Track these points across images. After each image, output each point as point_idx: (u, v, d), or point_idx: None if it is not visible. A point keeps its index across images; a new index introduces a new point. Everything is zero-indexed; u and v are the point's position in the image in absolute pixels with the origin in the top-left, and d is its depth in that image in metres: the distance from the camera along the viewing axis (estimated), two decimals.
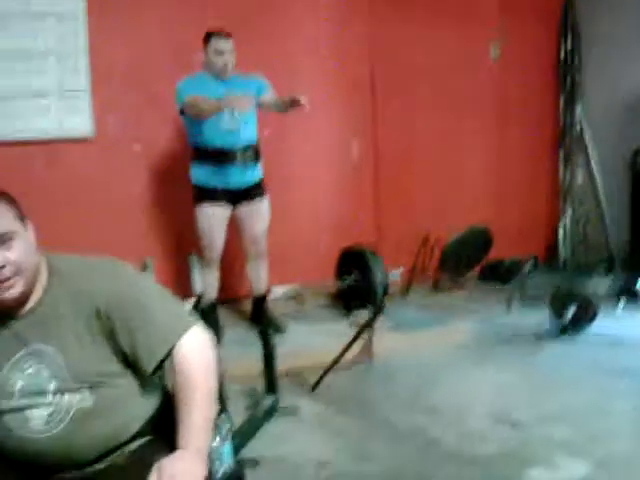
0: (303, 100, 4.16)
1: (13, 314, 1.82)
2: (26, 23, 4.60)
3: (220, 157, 4.40)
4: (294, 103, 4.20)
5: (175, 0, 5.00)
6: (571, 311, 4.57)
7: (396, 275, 5.32)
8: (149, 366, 1.82)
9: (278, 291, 5.24)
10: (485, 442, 3.20)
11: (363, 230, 5.63)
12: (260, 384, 3.71)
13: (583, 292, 4.66)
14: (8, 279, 1.75)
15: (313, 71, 5.46)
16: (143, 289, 1.90)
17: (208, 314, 4.28)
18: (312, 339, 4.50)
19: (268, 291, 4.82)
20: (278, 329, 4.58)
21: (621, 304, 5.20)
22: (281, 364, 3.82)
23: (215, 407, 1.84)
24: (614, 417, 3.44)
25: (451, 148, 6.09)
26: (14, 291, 1.77)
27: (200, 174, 4.47)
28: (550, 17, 6.50)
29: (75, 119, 4.77)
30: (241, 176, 4.47)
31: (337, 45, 5.54)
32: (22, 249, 1.77)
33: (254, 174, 4.54)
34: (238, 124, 4.37)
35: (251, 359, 3.93)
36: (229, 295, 5.01)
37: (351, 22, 5.59)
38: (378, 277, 4.82)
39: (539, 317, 4.88)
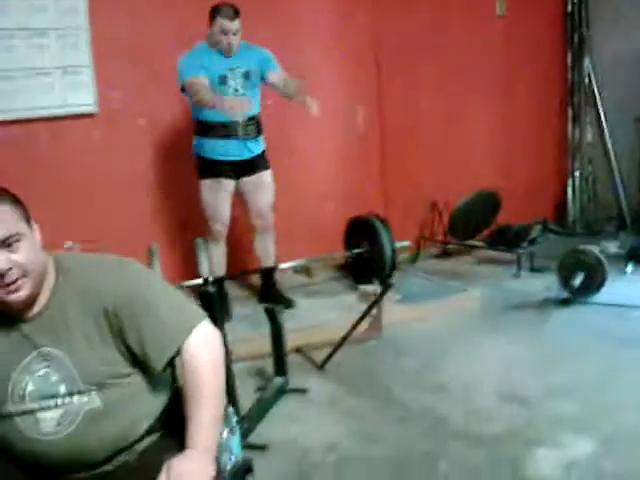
0: (314, 108, 4.26)
1: (22, 316, 1.83)
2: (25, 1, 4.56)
3: (222, 130, 4.41)
4: (303, 104, 4.26)
5: None
6: (579, 278, 4.56)
7: (405, 244, 5.28)
8: (158, 364, 1.84)
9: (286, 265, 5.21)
10: (492, 421, 3.22)
11: (370, 199, 5.60)
12: (269, 362, 3.74)
13: (591, 258, 4.63)
14: (15, 281, 1.76)
15: (318, 52, 5.42)
16: (150, 286, 1.91)
17: (216, 290, 4.26)
18: (321, 314, 4.51)
19: (276, 265, 4.81)
20: (287, 304, 4.59)
21: (630, 266, 5.20)
22: (290, 341, 3.84)
23: (223, 404, 1.86)
24: (621, 390, 3.45)
25: (457, 111, 6.03)
26: (22, 293, 1.78)
27: (203, 147, 4.48)
28: None
29: (79, 95, 4.75)
30: (243, 149, 4.49)
31: (341, 36, 5.49)
32: (28, 251, 1.78)
33: (256, 146, 4.56)
34: (241, 99, 4.36)
35: (260, 336, 3.96)
36: (238, 270, 5.00)
37: (354, 13, 5.52)
38: (387, 247, 4.81)
39: (548, 282, 4.91)
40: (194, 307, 1.93)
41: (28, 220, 1.82)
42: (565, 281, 4.65)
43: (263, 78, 4.47)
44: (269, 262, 4.75)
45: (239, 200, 4.63)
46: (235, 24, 4.34)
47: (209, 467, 1.74)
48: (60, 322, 1.82)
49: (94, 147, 4.81)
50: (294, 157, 5.21)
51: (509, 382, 3.59)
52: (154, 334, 1.82)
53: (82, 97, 4.73)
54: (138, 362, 1.86)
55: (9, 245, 1.75)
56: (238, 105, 4.13)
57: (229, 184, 4.53)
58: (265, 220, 4.65)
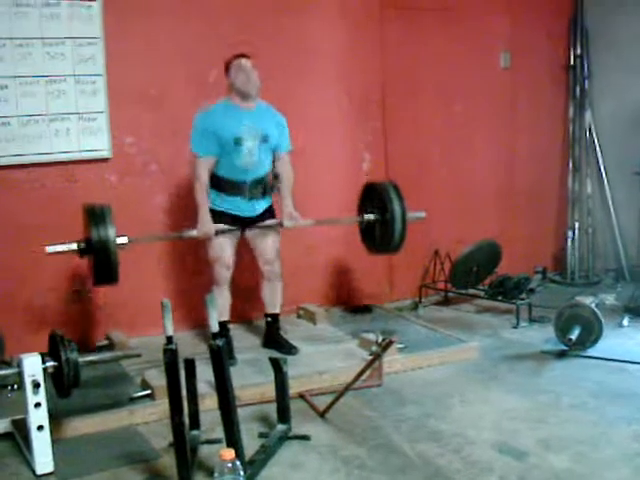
0: (289, 223, 4.64)
1: None
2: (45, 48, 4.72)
3: (231, 188, 4.60)
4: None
5: (188, 19, 5.09)
6: (576, 332, 4.67)
7: (421, 215, 4.93)
8: None
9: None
10: (488, 473, 3.29)
11: None
12: (272, 406, 3.82)
13: (588, 312, 4.75)
14: None
15: (325, 89, 5.60)
16: None
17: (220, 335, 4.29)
18: (324, 361, 4.60)
19: (281, 313, 4.89)
20: (290, 351, 4.70)
21: (626, 319, 5.31)
22: (293, 387, 3.95)
23: None
24: (614, 445, 3.51)
25: (461, 160, 6.21)
26: None
27: (215, 199, 4.62)
28: (560, 22, 6.61)
29: (93, 140, 4.90)
30: (250, 207, 4.67)
31: (348, 66, 5.68)
32: None
33: (263, 204, 4.73)
34: (253, 163, 4.57)
35: (264, 382, 4.10)
36: (243, 315, 5.08)
37: (364, 42, 5.70)
38: (398, 216, 4.66)
39: (546, 333, 5.03)
40: None
41: None
42: (562, 334, 4.76)
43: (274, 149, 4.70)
44: (275, 309, 4.85)
45: (247, 248, 4.75)
46: (250, 63, 4.56)
47: None
48: None
49: (107, 191, 4.92)
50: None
51: (505, 434, 3.67)
52: None
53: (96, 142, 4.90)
54: None
55: None
56: (207, 235, 4.40)
57: (235, 231, 4.66)
58: (273, 267, 4.75)
